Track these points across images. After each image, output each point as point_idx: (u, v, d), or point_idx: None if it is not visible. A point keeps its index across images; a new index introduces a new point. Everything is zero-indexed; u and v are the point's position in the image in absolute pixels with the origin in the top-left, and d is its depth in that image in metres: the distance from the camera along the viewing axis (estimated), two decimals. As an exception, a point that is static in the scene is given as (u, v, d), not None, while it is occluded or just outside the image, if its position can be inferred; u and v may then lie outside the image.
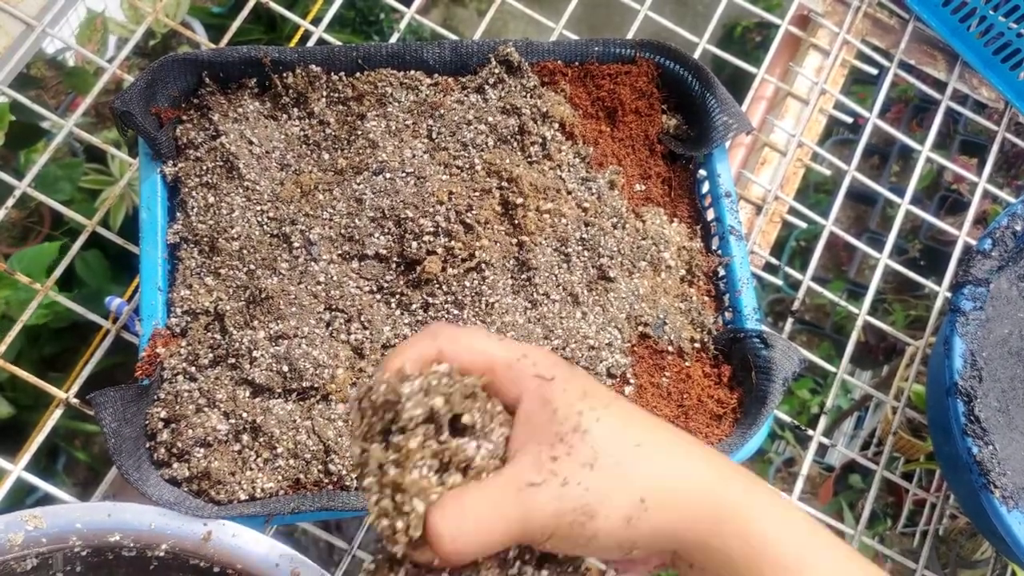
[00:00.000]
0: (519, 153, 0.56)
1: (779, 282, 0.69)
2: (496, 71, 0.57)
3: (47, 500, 0.52)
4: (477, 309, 0.51)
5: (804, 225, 0.74)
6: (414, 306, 0.52)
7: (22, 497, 0.97)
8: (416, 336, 0.34)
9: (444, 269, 0.52)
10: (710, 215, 0.60)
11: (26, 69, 1.00)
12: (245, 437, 0.48)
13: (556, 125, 0.57)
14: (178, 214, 0.54)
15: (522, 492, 0.30)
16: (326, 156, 0.55)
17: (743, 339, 0.55)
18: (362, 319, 0.51)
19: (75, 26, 1.01)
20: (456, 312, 0.51)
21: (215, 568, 0.44)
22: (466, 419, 0.30)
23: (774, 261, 0.71)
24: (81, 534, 0.43)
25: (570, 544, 0.31)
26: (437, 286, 0.52)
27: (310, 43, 0.68)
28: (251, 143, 0.54)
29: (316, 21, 0.73)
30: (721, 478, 0.33)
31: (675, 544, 0.32)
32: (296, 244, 0.52)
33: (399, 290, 0.52)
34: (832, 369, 0.69)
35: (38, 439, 0.55)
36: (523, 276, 0.53)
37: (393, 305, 0.52)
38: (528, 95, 0.57)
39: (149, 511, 0.44)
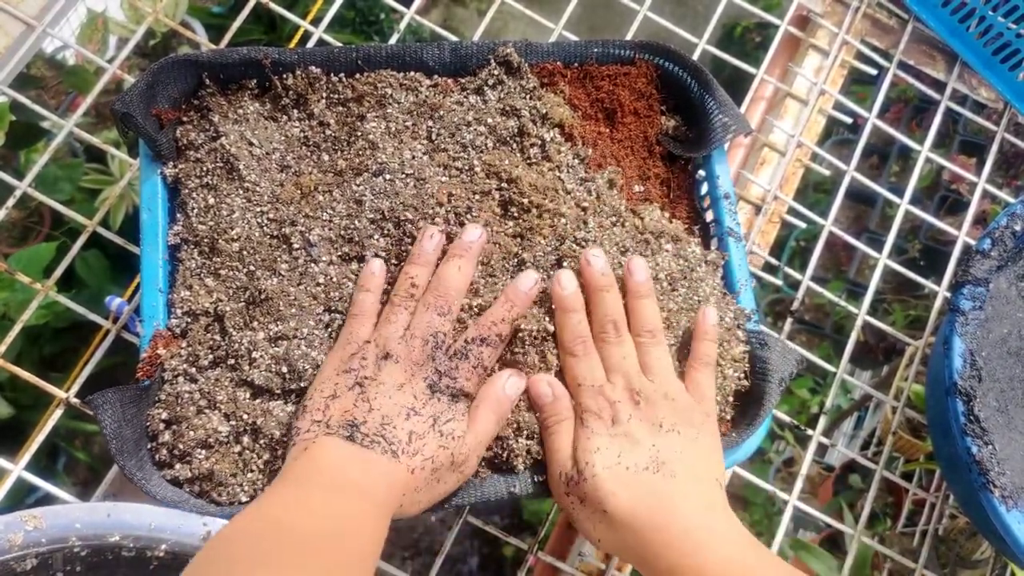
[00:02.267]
0: (518, 154, 0.56)
1: (779, 282, 0.69)
2: (495, 72, 0.57)
3: (47, 500, 0.52)
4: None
5: (803, 225, 0.74)
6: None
7: (22, 497, 0.97)
8: None
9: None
10: (709, 216, 0.60)
11: (26, 69, 1.00)
12: (246, 439, 0.48)
13: (555, 126, 0.57)
14: (178, 215, 0.54)
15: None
16: (326, 157, 0.55)
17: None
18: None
19: (75, 26, 1.01)
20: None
21: None
22: None
23: (773, 261, 0.71)
24: (81, 534, 0.43)
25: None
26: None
27: (310, 44, 0.69)
28: (251, 144, 0.54)
29: (316, 21, 0.73)
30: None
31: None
32: (296, 245, 0.52)
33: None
34: (832, 369, 0.69)
35: (38, 439, 0.55)
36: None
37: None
38: (527, 96, 0.57)
39: (149, 511, 0.44)
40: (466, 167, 0.55)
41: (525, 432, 0.50)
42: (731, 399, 0.54)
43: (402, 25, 0.72)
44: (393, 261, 0.53)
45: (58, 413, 0.56)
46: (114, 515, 0.44)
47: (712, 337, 0.51)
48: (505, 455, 0.49)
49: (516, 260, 0.53)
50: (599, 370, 0.49)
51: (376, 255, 0.53)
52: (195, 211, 0.53)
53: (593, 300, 0.51)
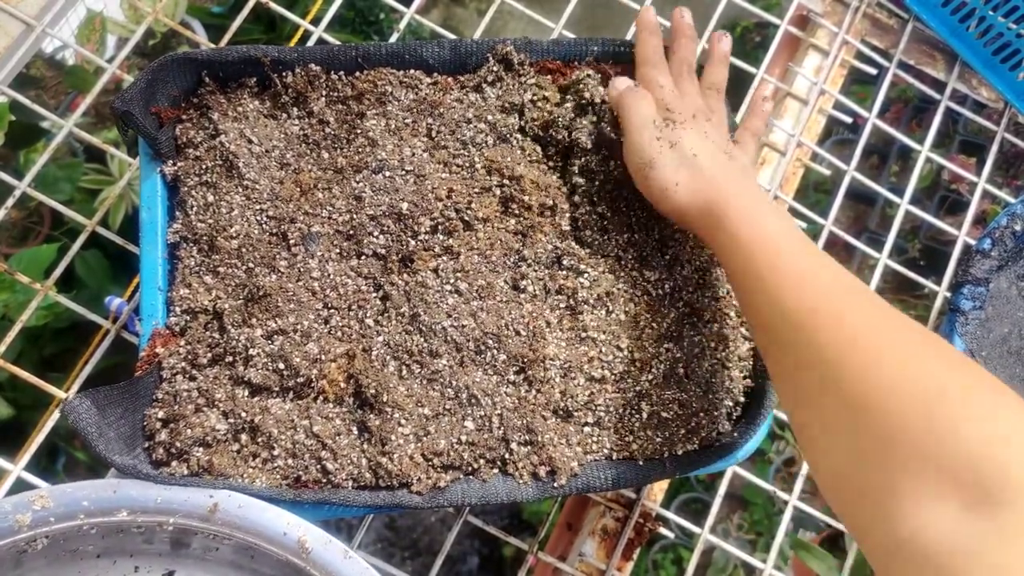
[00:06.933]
0: (519, 152, 0.56)
1: (779, 282, 0.69)
2: (495, 70, 0.57)
3: (47, 500, 0.52)
4: (478, 307, 0.51)
5: (803, 225, 0.73)
6: (413, 302, 0.52)
7: (22, 497, 0.97)
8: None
9: (444, 267, 0.52)
10: (709, 215, 0.60)
11: (26, 69, 1.00)
12: (244, 437, 0.48)
13: (555, 124, 0.57)
14: (178, 213, 0.54)
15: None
16: (325, 155, 0.55)
17: (742, 338, 0.55)
18: (359, 316, 0.51)
19: (75, 26, 1.01)
20: (456, 309, 0.51)
21: (224, 540, 0.44)
22: None
23: (774, 261, 0.71)
24: (88, 511, 0.43)
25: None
26: (437, 284, 0.52)
27: (310, 43, 0.68)
28: (251, 142, 0.54)
29: (316, 21, 0.73)
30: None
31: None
32: (295, 242, 0.52)
33: (398, 288, 0.52)
34: (832, 369, 0.69)
35: (38, 439, 0.55)
36: (521, 271, 0.53)
37: (391, 303, 0.52)
38: (528, 93, 0.57)
39: (155, 487, 0.44)
40: (467, 164, 0.55)
41: (526, 440, 0.50)
42: (742, 400, 0.53)
43: (402, 25, 0.72)
44: (393, 257, 0.53)
45: (58, 413, 0.56)
46: (120, 491, 0.43)
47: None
48: (506, 461, 0.49)
49: (517, 256, 0.53)
50: (670, 81, 0.55)
51: (375, 251, 0.53)
52: (194, 209, 0.53)
53: (675, 45, 0.58)
